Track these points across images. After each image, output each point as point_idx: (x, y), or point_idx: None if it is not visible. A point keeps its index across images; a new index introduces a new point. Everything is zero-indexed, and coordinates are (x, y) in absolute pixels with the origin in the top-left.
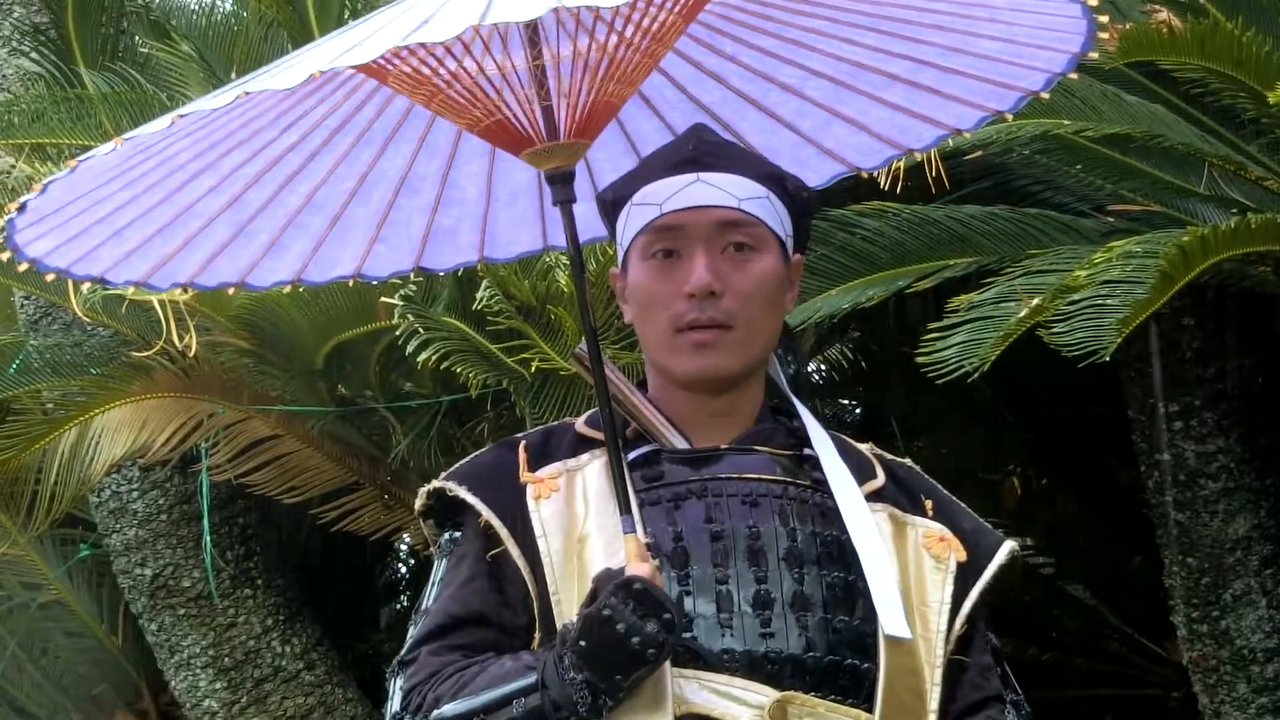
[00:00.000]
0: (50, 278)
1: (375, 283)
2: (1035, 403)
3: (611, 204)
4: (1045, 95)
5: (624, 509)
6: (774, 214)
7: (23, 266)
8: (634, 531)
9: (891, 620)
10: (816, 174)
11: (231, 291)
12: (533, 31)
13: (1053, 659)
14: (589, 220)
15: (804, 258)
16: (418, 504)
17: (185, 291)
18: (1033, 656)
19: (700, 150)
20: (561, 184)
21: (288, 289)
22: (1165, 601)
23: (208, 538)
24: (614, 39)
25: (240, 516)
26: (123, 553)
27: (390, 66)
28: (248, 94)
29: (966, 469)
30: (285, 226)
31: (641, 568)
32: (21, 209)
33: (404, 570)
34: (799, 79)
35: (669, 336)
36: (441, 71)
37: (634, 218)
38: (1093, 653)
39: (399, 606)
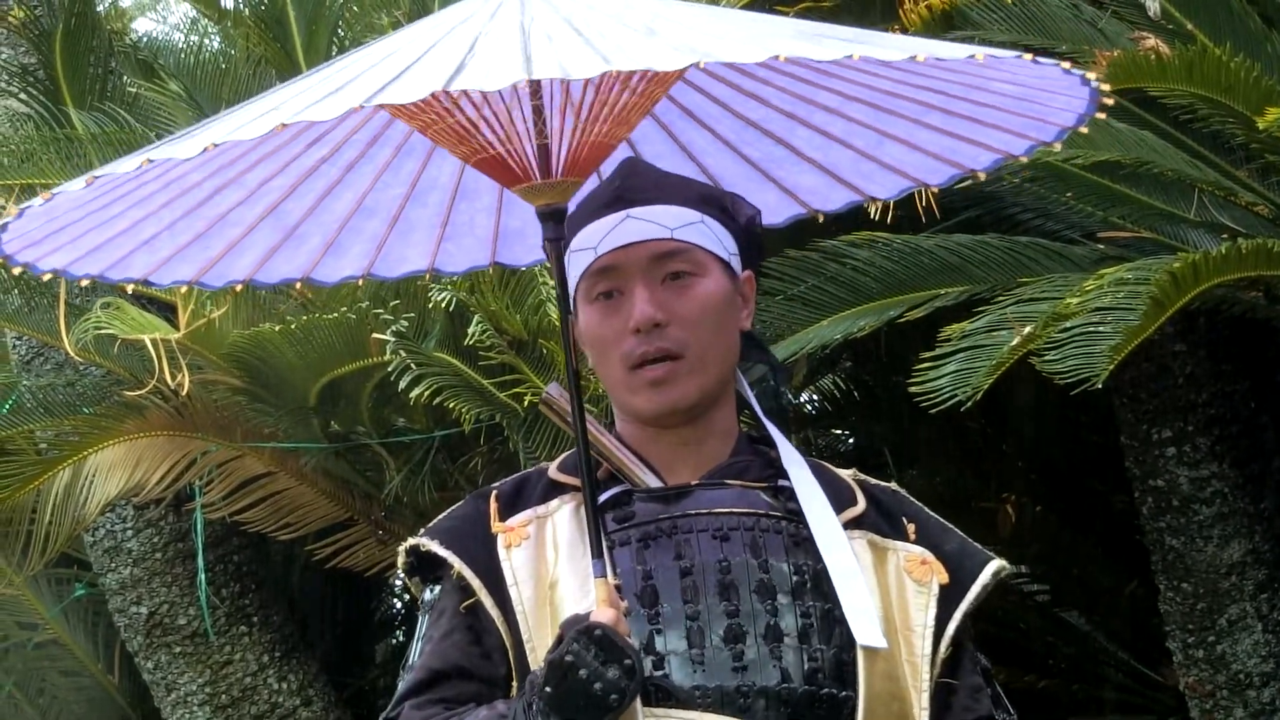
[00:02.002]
0: (85, 283)
1: (454, 277)
2: (1028, 430)
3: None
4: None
5: (595, 552)
6: (711, 236)
7: (46, 276)
8: (604, 575)
9: (863, 630)
10: (883, 187)
11: (299, 286)
12: None
13: (1049, 686)
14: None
15: (765, 287)
16: (399, 562)
17: (228, 299)
18: (1029, 684)
19: (626, 187)
20: (552, 221)
21: (278, 326)
22: (1161, 627)
23: (203, 575)
24: (611, 82)
25: (235, 554)
26: (118, 591)
27: None
28: (216, 145)
29: (960, 498)
30: (340, 229)
31: (605, 613)
32: (3, 228)
33: (399, 606)
34: (838, 102)
35: (624, 376)
36: (437, 105)
37: (574, 264)
38: (1089, 679)
39: (394, 642)
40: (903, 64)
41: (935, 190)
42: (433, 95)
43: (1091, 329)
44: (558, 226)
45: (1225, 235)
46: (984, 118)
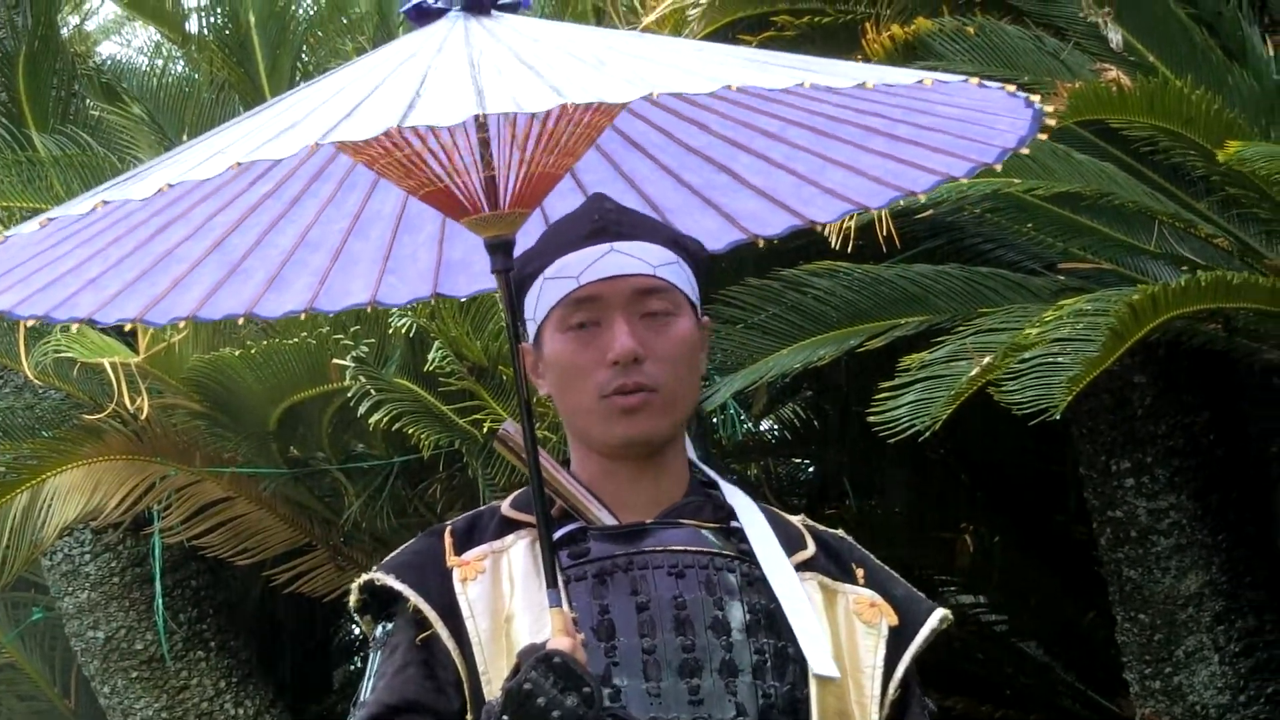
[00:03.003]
0: (30, 323)
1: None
2: (987, 460)
3: (519, 281)
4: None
5: (550, 582)
6: (685, 279)
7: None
8: (559, 605)
9: (819, 660)
10: (824, 211)
11: (241, 320)
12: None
13: (1006, 716)
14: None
15: (725, 316)
16: (351, 599)
17: (185, 326)
18: (986, 714)
19: (609, 220)
20: (500, 253)
21: (238, 351)
22: (1118, 658)
23: (160, 600)
24: (557, 111)
25: (193, 579)
26: (75, 616)
27: None
28: (170, 186)
29: (919, 527)
30: (284, 263)
31: (563, 641)
32: None
33: (357, 631)
34: (779, 127)
35: (594, 403)
36: (384, 139)
37: (548, 291)
38: (1046, 710)
39: (352, 668)
40: (849, 89)
41: (878, 212)
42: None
43: (1050, 360)
44: (506, 258)
45: (1185, 267)
46: (926, 140)
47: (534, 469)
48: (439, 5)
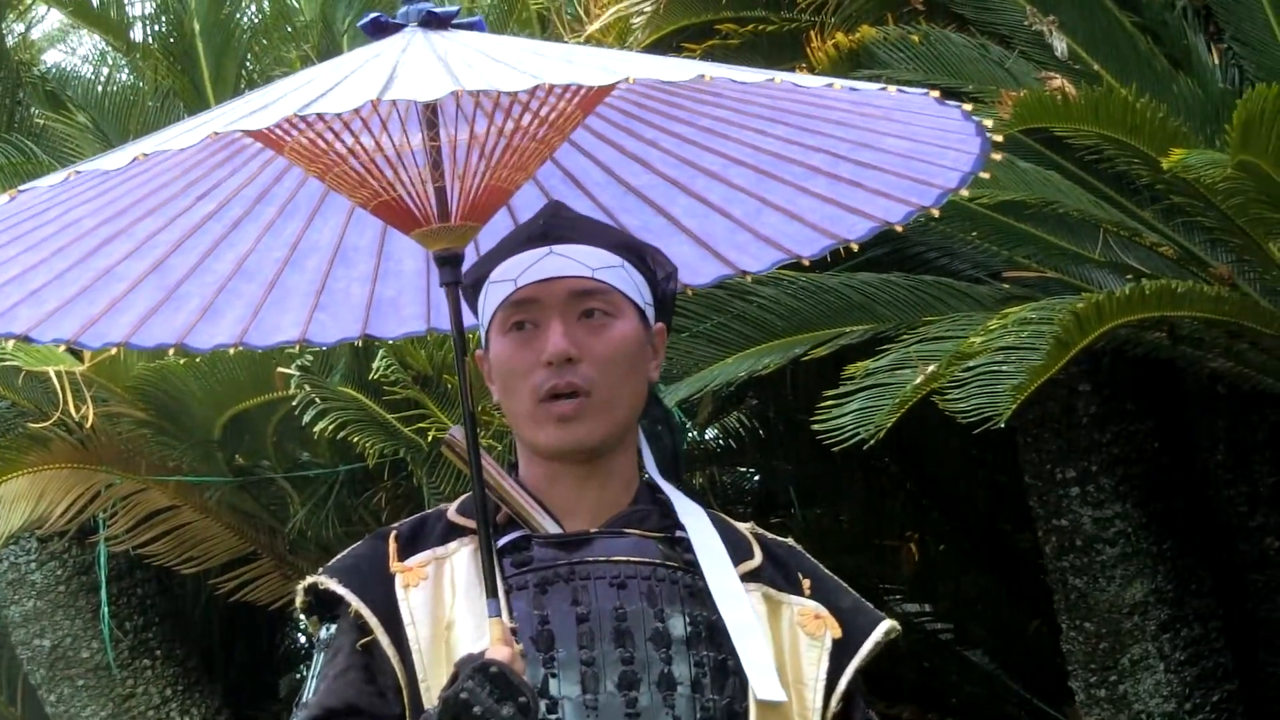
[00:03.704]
0: None
1: (323, 348)
2: (932, 469)
3: (471, 286)
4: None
5: (489, 592)
6: (629, 282)
7: None
8: (498, 615)
9: (763, 684)
10: (756, 259)
11: (171, 353)
12: (431, 113)
13: None
14: None
15: (678, 328)
16: (297, 600)
17: (119, 350)
18: None
19: (551, 225)
20: (449, 266)
21: (183, 359)
22: (1064, 667)
23: (105, 608)
24: (510, 125)
25: (139, 587)
26: (21, 624)
27: (287, 138)
28: (146, 155)
29: (864, 536)
30: (219, 291)
31: (501, 651)
32: None
33: (303, 640)
34: (721, 165)
35: (531, 407)
36: (337, 146)
37: (491, 295)
38: (992, 718)
39: (298, 676)
40: (795, 121)
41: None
42: (334, 136)
43: (995, 368)
44: (455, 270)
45: (1130, 276)
46: (867, 181)
47: (476, 479)
48: (396, 20)
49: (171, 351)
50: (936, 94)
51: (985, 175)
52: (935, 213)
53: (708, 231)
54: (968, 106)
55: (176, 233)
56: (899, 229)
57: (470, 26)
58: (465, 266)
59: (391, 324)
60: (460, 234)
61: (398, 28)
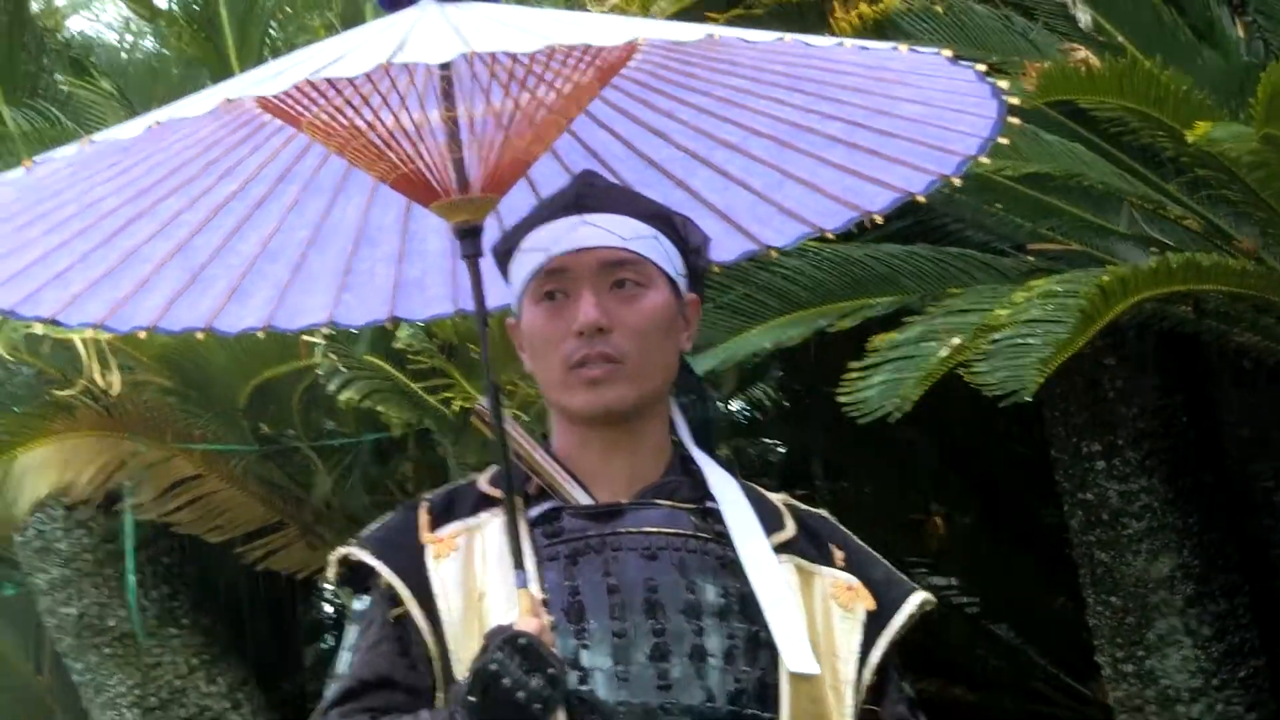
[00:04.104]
0: None
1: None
2: (958, 442)
3: (503, 255)
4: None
5: (518, 564)
6: (662, 252)
7: None
8: (525, 587)
9: (795, 657)
10: (780, 234)
11: (201, 335)
12: (447, 85)
13: (978, 699)
14: None
15: (704, 298)
16: (330, 572)
17: (148, 334)
18: (958, 696)
19: (584, 194)
20: (469, 238)
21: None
22: (1090, 641)
23: (131, 577)
24: (526, 97)
25: (164, 556)
26: (47, 592)
27: (307, 113)
28: (160, 124)
29: (889, 509)
30: (245, 273)
31: (529, 623)
32: None
33: (329, 610)
34: (740, 137)
35: (562, 374)
36: (356, 120)
37: (523, 264)
38: (1018, 693)
39: (324, 646)
40: (811, 89)
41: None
42: (354, 111)
43: (1021, 341)
44: (475, 243)
45: (1155, 249)
46: (887, 150)
47: (502, 453)
48: None
49: (201, 335)
50: (949, 53)
51: (1004, 141)
52: (957, 181)
53: (730, 205)
54: (981, 68)
55: (200, 213)
56: (921, 199)
57: None
58: (493, 242)
59: (418, 305)
60: (479, 206)
61: (413, 1)
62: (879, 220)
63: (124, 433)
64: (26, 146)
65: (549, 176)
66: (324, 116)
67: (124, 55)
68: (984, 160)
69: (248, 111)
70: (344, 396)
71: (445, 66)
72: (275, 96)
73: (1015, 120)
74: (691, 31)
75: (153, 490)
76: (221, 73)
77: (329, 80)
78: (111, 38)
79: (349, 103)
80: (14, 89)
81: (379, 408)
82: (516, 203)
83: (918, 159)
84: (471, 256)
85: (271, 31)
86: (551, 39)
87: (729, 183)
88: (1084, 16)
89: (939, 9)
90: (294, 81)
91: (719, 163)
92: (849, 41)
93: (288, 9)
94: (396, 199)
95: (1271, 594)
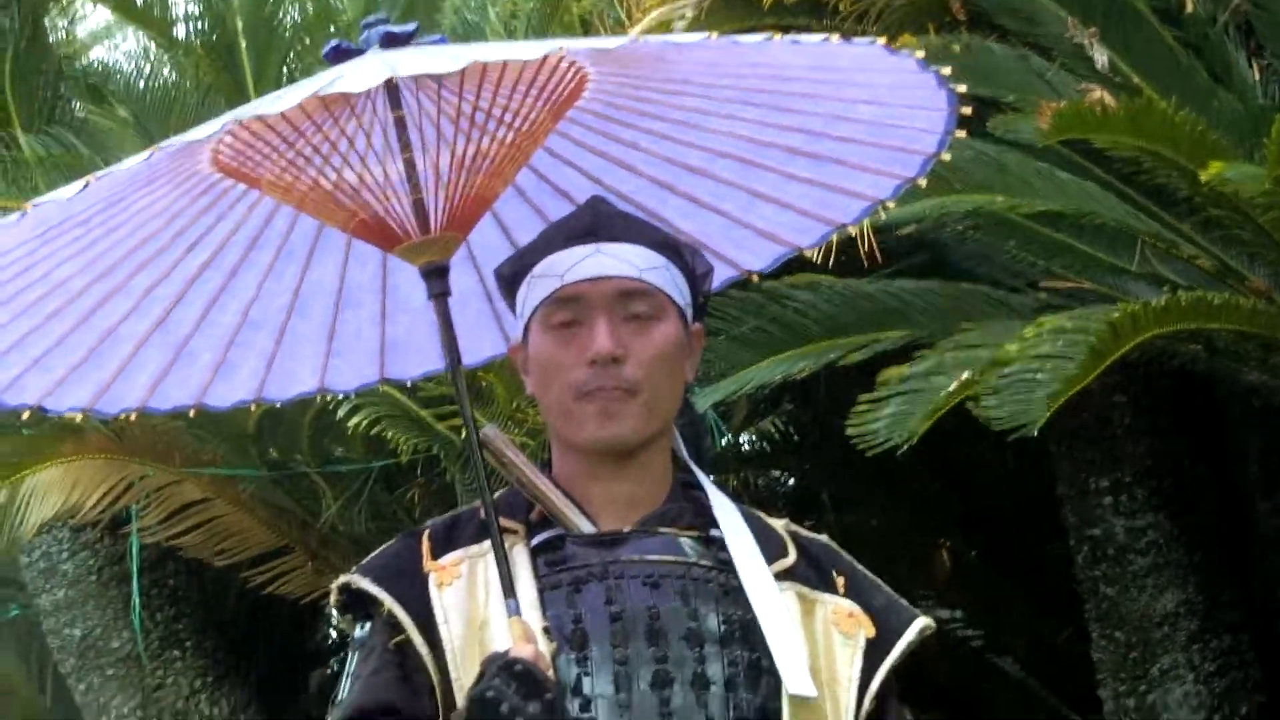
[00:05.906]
0: None
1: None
2: (966, 476)
3: (510, 278)
4: (946, 157)
5: (508, 592)
6: (673, 283)
7: None
8: (518, 614)
9: (794, 679)
10: (757, 257)
11: (192, 413)
12: (402, 130)
13: None
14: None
15: (706, 327)
16: (331, 599)
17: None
18: None
19: (598, 221)
20: (437, 278)
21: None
22: (1093, 675)
23: (137, 599)
24: (481, 135)
25: (170, 578)
26: (52, 613)
27: (264, 172)
28: (98, 179)
29: (897, 541)
30: (229, 344)
31: (525, 649)
32: None
33: (333, 635)
34: (705, 160)
35: (570, 403)
36: (309, 172)
37: (534, 289)
38: None
39: (328, 671)
40: (764, 100)
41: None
42: (305, 161)
43: (1030, 376)
44: (443, 282)
45: (1166, 287)
46: (851, 158)
47: (483, 486)
48: (358, 45)
49: (192, 413)
50: (883, 40)
51: (1014, 175)
52: (923, 183)
53: (705, 231)
54: (920, 53)
55: (174, 286)
56: (890, 205)
57: (433, 44)
58: (498, 275)
59: (410, 363)
60: (443, 245)
61: (360, 53)
62: (878, 256)
63: (132, 456)
64: (43, 173)
65: (520, 220)
66: (282, 174)
67: (141, 84)
68: (998, 198)
69: (206, 178)
70: (353, 422)
71: (398, 107)
72: (220, 152)
73: (963, 130)
74: (612, 40)
75: (160, 513)
76: (239, 101)
77: (282, 136)
78: (129, 66)
79: (300, 154)
80: (31, 116)
81: (387, 434)
82: (489, 239)
83: (881, 163)
84: (440, 295)
85: (289, 62)
86: (474, 58)
87: (700, 209)
88: (1101, 57)
89: (956, 48)
90: (224, 125)
91: (688, 189)
92: (778, 35)
93: (306, 39)
94: (373, 255)
95: (1274, 631)
